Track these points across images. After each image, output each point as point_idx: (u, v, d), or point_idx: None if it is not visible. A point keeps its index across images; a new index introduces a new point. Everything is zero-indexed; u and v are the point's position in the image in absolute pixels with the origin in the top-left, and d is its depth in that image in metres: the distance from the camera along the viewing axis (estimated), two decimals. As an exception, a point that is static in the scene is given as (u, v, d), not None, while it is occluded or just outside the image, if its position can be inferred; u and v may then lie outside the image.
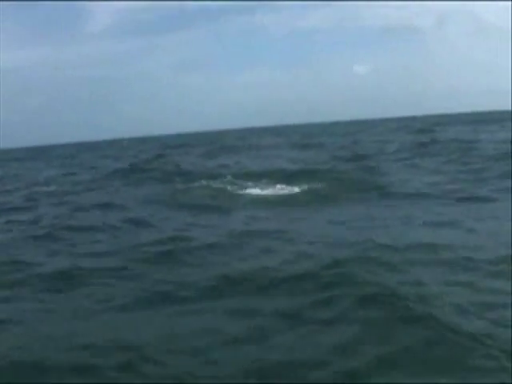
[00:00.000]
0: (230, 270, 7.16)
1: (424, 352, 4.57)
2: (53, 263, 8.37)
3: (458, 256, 7.27)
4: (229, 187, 16.90)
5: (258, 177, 18.49)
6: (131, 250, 8.92)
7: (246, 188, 16.53)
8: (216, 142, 53.55)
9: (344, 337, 4.92)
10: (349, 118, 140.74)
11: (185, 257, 8.28)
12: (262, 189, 16.27)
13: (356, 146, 32.34)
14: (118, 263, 8.15)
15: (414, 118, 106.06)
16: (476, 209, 11.15)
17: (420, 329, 4.92)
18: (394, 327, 5.00)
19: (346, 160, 23.56)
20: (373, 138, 41.17)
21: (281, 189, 16.06)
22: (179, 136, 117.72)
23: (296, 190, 15.62)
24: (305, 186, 15.81)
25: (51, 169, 34.85)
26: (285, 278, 6.60)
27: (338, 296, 5.84)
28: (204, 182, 18.12)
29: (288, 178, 17.49)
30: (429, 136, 34.78)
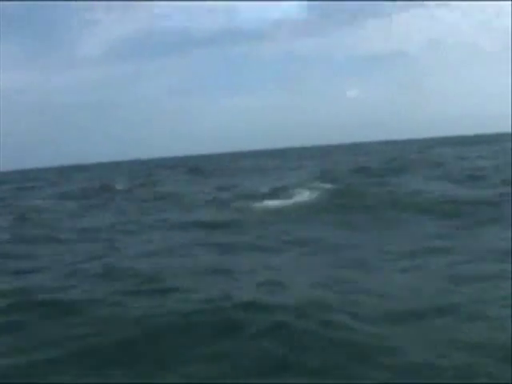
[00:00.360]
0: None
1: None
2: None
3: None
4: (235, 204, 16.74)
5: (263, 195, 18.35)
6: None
7: (256, 202, 16.37)
8: (211, 165, 53.16)
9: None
10: (344, 141, 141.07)
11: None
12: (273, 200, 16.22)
13: (358, 162, 32.77)
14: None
15: (410, 141, 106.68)
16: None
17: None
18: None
19: (349, 175, 23.91)
20: (375, 157, 41.58)
21: (288, 201, 16.03)
22: (170, 159, 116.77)
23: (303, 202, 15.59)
24: (311, 201, 15.71)
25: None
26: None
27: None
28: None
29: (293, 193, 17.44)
30: (426, 154, 36.00)
